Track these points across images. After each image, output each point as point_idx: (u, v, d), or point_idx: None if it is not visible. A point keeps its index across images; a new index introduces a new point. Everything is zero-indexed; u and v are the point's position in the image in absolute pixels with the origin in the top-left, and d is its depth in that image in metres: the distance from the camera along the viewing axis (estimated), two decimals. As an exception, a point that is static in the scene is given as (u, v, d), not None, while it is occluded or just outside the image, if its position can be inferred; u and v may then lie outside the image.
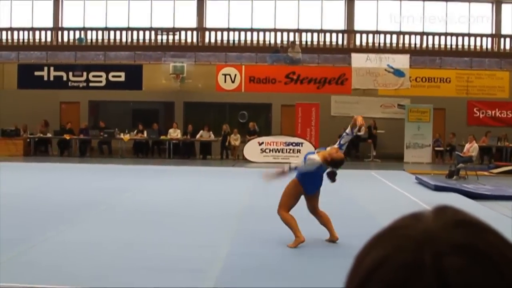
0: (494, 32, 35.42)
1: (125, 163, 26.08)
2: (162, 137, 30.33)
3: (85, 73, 32.16)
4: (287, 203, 10.43)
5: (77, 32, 35.27)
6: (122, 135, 30.13)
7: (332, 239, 10.16)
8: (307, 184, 10.50)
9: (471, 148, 23.33)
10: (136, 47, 34.28)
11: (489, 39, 35.51)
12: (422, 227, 0.87)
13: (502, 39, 35.42)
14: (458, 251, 0.83)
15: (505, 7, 35.55)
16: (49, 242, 9.85)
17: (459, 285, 0.80)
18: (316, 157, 10.32)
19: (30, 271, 7.97)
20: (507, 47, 35.27)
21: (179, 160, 28.28)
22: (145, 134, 30.45)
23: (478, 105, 31.76)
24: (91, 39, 35.29)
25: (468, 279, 0.81)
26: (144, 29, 35.14)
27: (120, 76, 32.17)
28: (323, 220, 10.41)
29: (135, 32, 35.17)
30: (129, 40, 35.13)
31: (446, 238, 0.85)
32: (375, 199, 15.52)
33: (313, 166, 10.25)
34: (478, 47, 35.04)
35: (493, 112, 31.70)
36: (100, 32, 35.20)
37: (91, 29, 35.26)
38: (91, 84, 32.16)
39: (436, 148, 30.51)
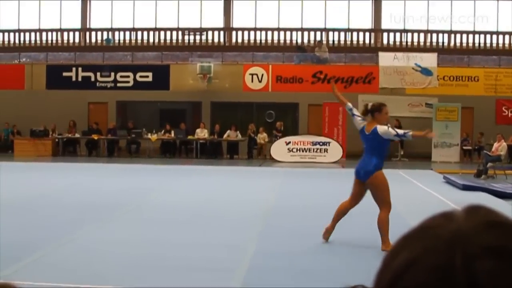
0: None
1: (153, 163, 26.17)
2: (189, 137, 30.41)
3: (112, 74, 32.34)
4: (389, 199, 9.74)
5: (105, 33, 35.51)
6: (149, 135, 30.24)
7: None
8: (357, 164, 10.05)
9: (500, 147, 23.15)
10: (163, 47, 34.41)
11: (518, 36, 35.21)
12: (454, 227, 0.86)
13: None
14: (490, 253, 0.81)
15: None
16: (77, 241, 9.92)
17: (489, 286, 0.79)
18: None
19: (57, 269, 8.04)
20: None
21: (206, 160, 28.34)
22: (172, 134, 30.54)
23: (506, 104, 31.50)
24: (119, 40, 35.52)
25: (500, 282, 0.79)
26: (171, 29, 35.27)
27: (147, 76, 32.30)
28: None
29: (162, 33, 35.32)
30: (156, 40, 35.28)
31: (478, 240, 0.83)
32: (403, 199, 15.42)
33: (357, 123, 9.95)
34: (506, 45, 34.75)
35: (522, 110, 31.43)
36: (127, 33, 35.41)
37: (119, 29, 35.49)
38: (118, 85, 32.33)
39: (464, 147, 30.30)
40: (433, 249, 0.84)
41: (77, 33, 35.88)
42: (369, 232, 10.17)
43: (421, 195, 16.79)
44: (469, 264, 0.80)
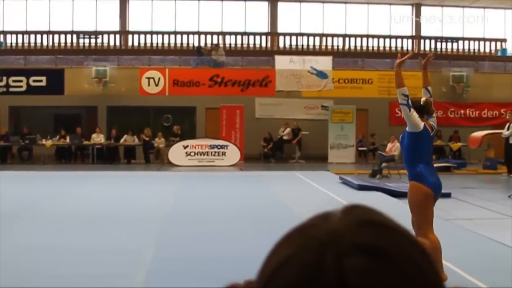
0: (414, 34, 36.14)
1: (48, 170, 25.62)
2: (85, 142, 29.92)
3: (4, 78, 31.47)
4: (427, 219, 7.60)
5: (-4, 36, 34.56)
6: (44, 141, 29.58)
7: None
8: (428, 177, 7.70)
9: (393, 148, 23.70)
10: (57, 50, 33.76)
11: (410, 40, 36.21)
12: (328, 227, 0.86)
13: (422, 40, 36.16)
14: (360, 251, 0.82)
15: (424, 9, 36.31)
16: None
17: (359, 286, 0.79)
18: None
19: None
20: (427, 48, 36.02)
21: (103, 165, 27.95)
22: (68, 140, 29.96)
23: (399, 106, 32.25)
24: (11, 43, 34.60)
25: (368, 279, 0.80)
26: (65, 32, 34.64)
27: (41, 81, 31.57)
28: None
29: (56, 36, 34.64)
30: (50, 43, 34.58)
31: (349, 238, 0.84)
32: (300, 200, 15.61)
33: (417, 124, 7.72)
34: (399, 48, 35.69)
35: (414, 112, 32.24)
36: (19, 36, 34.55)
37: (11, 32, 34.57)
38: (11, 89, 31.48)
39: (360, 148, 30.90)
40: (306, 248, 0.85)
41: (-34, 37, 34.81)
42: (268, 237, 10.20)
43: (318, 196, 17.00)
44: (339, 262, 0.81)
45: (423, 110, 7.79)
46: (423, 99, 7.91)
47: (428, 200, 7.51)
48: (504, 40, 36.40)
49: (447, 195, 16.96)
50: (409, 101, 7.76)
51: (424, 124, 7.69)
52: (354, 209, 0.90)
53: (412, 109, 7.66)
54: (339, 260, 0.81)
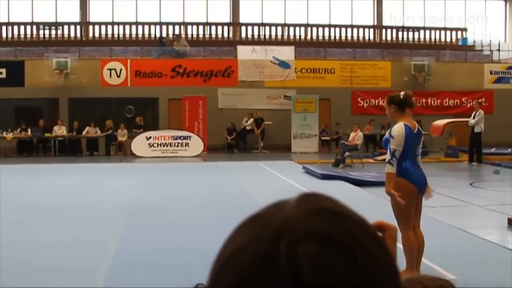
0: (376, 23, 36.32)
1: (9, 163, 25.32)
2: (46, 134, 29.65)
3: (-37, 70, 31.05)
4: (409, 214, 7.62)
5: (-46, 28, 34.03)
6: (4, 134, 29.24)
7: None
8: (414, 173, 7.70)
9: (356, 137, 23.85)
10: (17, 42, 33.36)
11: (371, 30, 36.39)
12: (281, 215, 0.87)
13: (384, 30, 36.36)
14: (312, 239, 0.83)
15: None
16: None
17: (311, 273, 0.80)
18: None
19: None
20: (388, 38, 36.24)
21: (65, 158, 27.72)
22: (29, 132, 29.67)
23: (362, 95, 32.48)
24: (-31, 35, 34.12)
25: (320, 267, 0.81)
26: (25, 24, 34.22)
27: (1, 73, 31.17)
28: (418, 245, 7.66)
29: (15, 27, 34.20)
30: (10, 35, 34.13)
31: (302, 227, 0.85)
32: (264, 190, 15.63)
33: (401, 133, 7.53)
34: (361, 38, 35.87)
35: (376, 101, 32.44)
36: (-22, 28, 34.08)
37: (-32, 24, 34.09)
38: (-30, 82, 31.07)
39: (323, 138, 31.02)
40: (259, 236, 0.85)
41: None
42: (225, 226, 10.20)
43: (281, 185, 17.04)
44: (292, 251, 0.82)
45: (405, 104, 7.67)
46: (402, 93, 7.74)
47: (412, 196, 7.55)
48: (465, 30, 36.73)
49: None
50: (394, 156, 7.53)
51: (405, 126, 7.59)
52: (308, 198, 0.91)
53: (395, 152, 7.52)
54: (291, 248, 0.82)
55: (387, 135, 7.73)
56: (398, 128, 7.53)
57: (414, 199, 7.57)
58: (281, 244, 0.82)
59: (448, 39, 36.76)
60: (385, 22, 36.39)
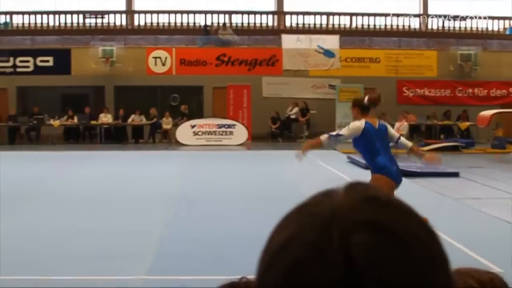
0: (421, 12, 35.92)
1: (56, 150, 25.66)
2: (92, 122, 29.96)
3: (11, 59, 31.47)
4: None
5: (2, 16, 34.45)
6: (52, 121, 29.63)
7: None
8: (390, 168, 8.26)
9: (401, 127, 23.68)
10: (64, 31, 33.70)
11: (417, 18, 36.00)
12: (331, 204, 0.86)
13: (430, 19, 35.95)
14: (363, 228, 0.82)
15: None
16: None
17: (364, 261, 0.80)
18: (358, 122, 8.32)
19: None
20: (434, 26, 35.81)
21: (110, 145, 27.98)
22: (76, 120, 30.01)
23: (407, 84, 32.22)
24: (17, 23, 34.52)
25: (373, 254, 0.80)
26: (71, 12, 34.52)
27: (48, 61, 31.57)
28: None
29: (62, 16, 34.53)
30: (57, 23, 34.47)
31: (353, 215, 0.84)
32: (308, 179, 15.60)
33: (358, 126, 8.23)
34: (406, 27, 35.51)
35: (422, 90, 32.18)
36: (26, 16, 34.44)
37: (17, 13, 34.46)
38: (18, 70, 31.49)
39: (367, 127, 30.81)
40: (310, 225, 0.85)
41: (-27, 17, 34.73)
42: (274, 216, 10.19)
43: (326, 175, 17.00)
44: (344, 239, 0.81)
45: (367, 107, 8.30)
46: (366, 97, 8.45)
47: (391, 190, 7.80)
48: (512, 18, 36.18)
49: (455, 175, 16.96)
50: (338, 135, 8.30)
51: (366, 122, 8.11)
52: (356, 186, 0.90)
53: (342, 134, 8.27)
54: (343, 236, 0.81)
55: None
56: (358, 123, 8.20)
57: (391, 191, 7.67)
58: (333, 233, 0.82)
59: (496, 28, 36.22)
60: (430, 11, 35.97)
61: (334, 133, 8.30)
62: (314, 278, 0.81)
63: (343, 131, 8.21)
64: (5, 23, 34.13)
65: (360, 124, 8.12)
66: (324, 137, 8.20)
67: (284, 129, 31.01)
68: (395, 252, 0.82)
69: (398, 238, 0.83)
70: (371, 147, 8.13)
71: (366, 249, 0.80)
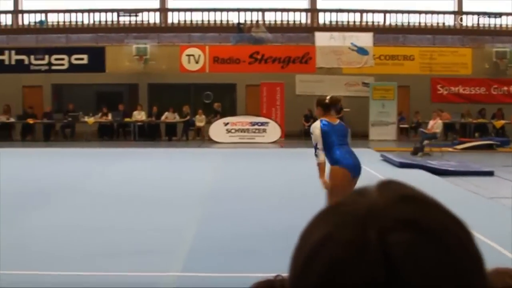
0: (456, 9, 35.62)
1: (90, 147, 25.89)
2: (126, 119, 30.16)
3: (47, 57, 31.80)
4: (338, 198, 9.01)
5: (38, 15, 34.81)
6: (86, 118, 29.88)
7: None
8: (346, 160, 8.92)
9: (435, 125, 23.49)
10: (98, 29, 33.93)
11: (452, 16, 35.71)
12: (366, 202, 0.85)
13: (464, 16, 35.63)
14: (402, 226, 0.82)
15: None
16: (14, 229, 9.73)
17: (403, 260, 0.79)
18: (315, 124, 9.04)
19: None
20: (469, 24, 35.48)
21: (144, 142, 28.16)
22: (110, 117, 30.23)
23: (441, 82, 31.98)
24: (52, 22, 34.85)
25: (412, 253, 0.80)
26: (105, 11, 34.76)
27: (82, 59, 31.85)
28: None
29: (96, 14, 34.77)
30: (91, 22, 34.73)
31: (390, 213, 0.83)
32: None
33: (316, 131, 8.88)
34: (440, 24, 35.23)
35: (456, 88, 31.94)
36: (61, 15, 34.75)
37: (52, 11, 34.80)
38: (53, 68, 31.81)
39: (401, 125, 30.68)
40: (346, 224, 0.84)
41: (9, 15, 35.10)
42: (309, 215, 10.18)
43: (359, 173, 16.88)
44: (382, 238, 0.80)
45: (329, 106, 9.07)
46: (328, 97, 9.22)
47: (345, 179, 8.67)
48: (549, 15, 35.74)
49: (490, 174, 16.82)
50: (317, 148, 8.90)
51: (321, 121, 8.90)
52: (390, 185, 0.89)
53: (317, 145, 8.88)
54: (381, 235, 0.80)
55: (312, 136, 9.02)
56: (315, 125, 8.95)
57: (347, 182, 8.65)
58: (370, 232, 0.81)
59: (532, 25, 35.82)
60: (465, 8, 35.65)
61: (314, 150, 8.94)
62: (354, 278, 0.80)
63: (316, 142, 8.86)
64: (41, 22, 34.49)
65: (317, 125, 8.91)
66: (322, 156, 8.83)
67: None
68: (434, 251, 0.81)
69: (436, 237, 0.82)
70: (327, 141, 8.81)
71: (405, 248, 0.80)
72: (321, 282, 0.82)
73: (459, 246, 0.84)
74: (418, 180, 13.94)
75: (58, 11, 34.71)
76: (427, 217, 0.84)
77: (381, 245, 0.80)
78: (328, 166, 8.86)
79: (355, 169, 8.93)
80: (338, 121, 9.13)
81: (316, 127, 8.91)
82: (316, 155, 8.86)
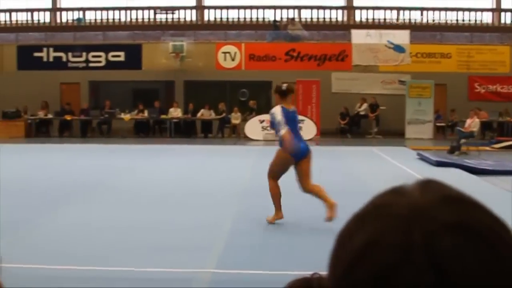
0: (494, 7, 35.26)
1: (127, 143, 26.06)
2: (162, 116, 30.31)
3: (84, 54, 32.10)
4: (277, 171, 10.31)
5: (76, 13, 35.15)
6: (122, 115, 30.10)
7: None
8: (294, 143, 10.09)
9: (473, 123, 23.27)
10: (135, 26, 34.17)
11: (490, 13, 35.36)
12: (408, 203, 0.84)
13: (503, 13, 35.26)
14: (450, 230, 0.80)
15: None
16: (52, 223, 9.85)
17: (453, 263, 0.78)
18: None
19: (31, 251, 7.97)
20: (508, 21, 35.12)
21: (180, 139, 28.27)
22: (146, 114, 30.42)
23: (479, 80, 31.68)
24: (90, 19, 35.17)
25: (461, 256, 0.79)
26: (142, 8, 34.99)
27: (119, 56, 32.09)
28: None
29: (133, 11, 35.02)
30: (128, 19, 34.99)
31: (433, 216, 0.82)
32: (376, 176, 15.50)
33: (279, 110, 9.92)
34: (478, 22, 34.90)
35: (494, 87, 31.62)
36: (98, 12, 35.06)
37: (90, 9, 35.12)
38: (90, 65, 32.10)
39: (438, 124, 30.46)
40: (391, 227, 0.82)
41: (47, 13, 35.49)
42: (342, 211, 10.18)
43: (395, 172, 16.85)
44: (429, 242, 0.79)
45: (286, 93, 10.09)
46: (284, 85, 10.18)
47: (284, 160, 10.05)
48: None
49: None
50: (280, 123, 9.87)
51: (281, 106, 9.92)
52: (430, 184, 0.88)
53: (280, 121, 9.85)
54: (427, 239, 0.79)
55: (270, 118, 10.24)
56: (276, 108, 9.96)
57: (286, 163, 10.09)
58: (416, 235, 0.80)
59: None
60: (504, 5, 35.26)
61: (279, 126, 9.86)
62: (404, 282, 0.79)
63: (278, 118, 9.82)
64: (79, 19, 34.81)
65: (277, 108, 9.91)
66: (283, 130, 9.85)
67: (353, 125, 30.86)
68: (482, 253, 0.80)
69: (483, 239, 0.81)
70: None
71: (453, 252, 0.79)
72: (372, 286, 0.81)
73: (506, 247, 0.82)
74: (455, 179, 13.83)
75: (95, 9, 35.03)
76: (472, 218, 0.83)
77: (428, 249, 0.79)
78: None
79: (299, 153, 10.02)
80: (293, 107, 10.32)
81: (277, 109, 9.90)
82: (278, 131, 9.90)
